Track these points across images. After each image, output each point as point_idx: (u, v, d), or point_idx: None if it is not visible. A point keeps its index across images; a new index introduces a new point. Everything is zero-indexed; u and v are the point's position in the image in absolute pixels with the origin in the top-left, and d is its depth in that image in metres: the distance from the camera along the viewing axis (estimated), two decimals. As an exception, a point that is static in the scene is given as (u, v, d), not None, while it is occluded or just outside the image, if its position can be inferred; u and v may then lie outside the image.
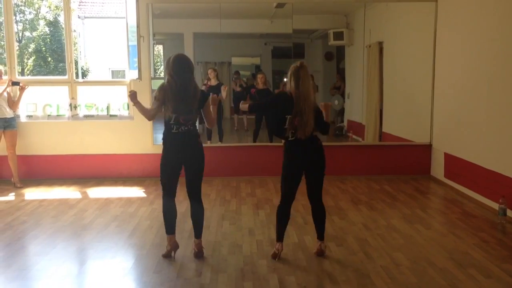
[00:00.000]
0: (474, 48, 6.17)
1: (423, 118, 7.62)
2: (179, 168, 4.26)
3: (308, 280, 3.89)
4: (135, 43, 7.26)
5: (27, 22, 22.41)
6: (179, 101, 4.10)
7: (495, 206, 5.45)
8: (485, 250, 4.47)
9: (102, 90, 7.88)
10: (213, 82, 8.36)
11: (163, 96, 4.12)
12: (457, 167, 6.66)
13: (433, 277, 3.90)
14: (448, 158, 6.96)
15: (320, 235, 4.36)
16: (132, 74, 7.49)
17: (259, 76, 8.49)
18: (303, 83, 4.07)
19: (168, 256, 4.33)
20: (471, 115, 6.26)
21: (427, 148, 7.59)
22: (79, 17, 21.74)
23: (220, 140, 8.18)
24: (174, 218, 4.33)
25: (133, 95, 4.34)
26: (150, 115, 4.30)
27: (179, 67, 4.13)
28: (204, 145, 4.38)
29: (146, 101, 7.38)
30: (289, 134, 4.13)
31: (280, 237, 4.32)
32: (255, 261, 4.25)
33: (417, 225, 5.21)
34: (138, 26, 7.22)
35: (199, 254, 4.32)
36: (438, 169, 7.31)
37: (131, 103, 4.42)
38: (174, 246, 4.33)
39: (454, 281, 3.81)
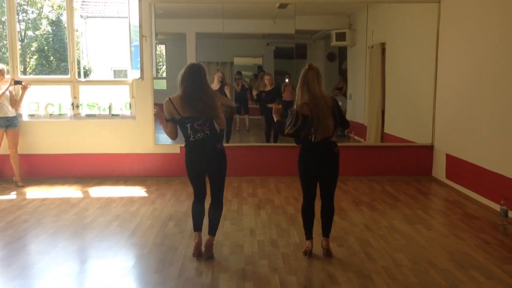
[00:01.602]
0: (476, 49, 6.16)
1: (425, 119, 7.61)
2: (203, 173, 4.31)
3: (309, 280, 3.89)
4: (138, 42, 7.26)
5: (29, 21, 22.46)
6: (186, 106, 4.11)
7: (497, 207, 5.43)
8: (487, 251, 4.46)
9: (104, 89, 7.90)
10: (217, 85, 8.41)
11: (169, 110, 4.16)
12: (459, 168, 6.65)
13: (434, 278, 3.90)
14: (450, 159, 6.95)
15: (325, 232, 4.38)
16: (134, 74, 7.50)
17: (267, 77, 8.57)
18: (312, 86, 4.08)
19: (195, 254, 4.31)
20: (473, 116, 6.25)
21: (429, 149, 7.58)
22: (81, 17, 21.73)
23: (227, 141, 8.20)
24: (201, 218, 4.37)
25: (157, 113, 4.34)
26: (170, 133, 4.28)
27: (186, 74, 4.18)
28: None
29: (149, 101, 7.40)
30: (310, 137, 4.15)
31: (308, 235, 4.36)
32: (256, 261, 4.25)
33: (419, 226, 5.20)
34: (140, 26, 7.22)
35: (208, 254, 4.30)
36: (439, 170, 7.30)
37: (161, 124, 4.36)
38: (198, 245, 4.32)
39: (455, 282, 3.81)
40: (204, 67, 4.32)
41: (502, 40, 5.59)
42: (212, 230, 4.37)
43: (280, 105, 4.38)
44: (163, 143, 7.59)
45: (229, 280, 3.88)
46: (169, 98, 4.20)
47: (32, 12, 22.64)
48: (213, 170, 4.29)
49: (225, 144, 4.52)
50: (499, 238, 4.83)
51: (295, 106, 4.17)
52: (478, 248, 4.54)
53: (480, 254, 4.39)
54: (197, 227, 4.36)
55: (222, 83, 8.36)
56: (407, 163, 7.63)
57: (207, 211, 4.41)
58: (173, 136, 4.28)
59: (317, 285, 3.80)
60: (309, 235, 4.37)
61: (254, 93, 8.63)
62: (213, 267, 4.11)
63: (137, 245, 4.68)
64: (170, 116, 4.19)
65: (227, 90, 8.19)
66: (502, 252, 4.45)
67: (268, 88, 8.53)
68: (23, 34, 21.85)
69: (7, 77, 7.24)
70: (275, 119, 4.34)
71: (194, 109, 4.12)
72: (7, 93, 7.04)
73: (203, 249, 4.32)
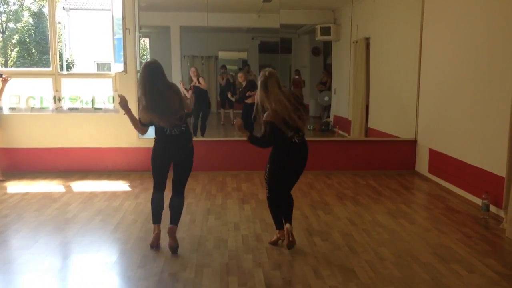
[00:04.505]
0: (459, 44, 6.21)
1: (408, 114, 7.67)
2: (169, 165, 4.39)
3: (292, 274, 3.90)
4: (121, 35, 7.18)
5: (11, 13, 22.08)
6: (161, 116, 4.14)
7: (479, 201, 5.50)
8: (468, 245, 4.51)
9: (87, 82, 7.79)
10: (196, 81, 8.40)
11: (147, 118, 4.19)
12: (442, 163, 6.72)
13: (417, 271, 3.93)
14: (433, 154, 7.01)
15: (290, 219, 4.43)
16: (117, 67, 7.42)
17: (239, 75, 8.67)
18: (273, 93, 4.13)
19: (153, 246, 4.38)
20: (456, 111, 6.31)
21: (412, 144, 7.64)
22: (64, 9, 21.43)
23: (202, 134, 8.16)
24: (160, 209, 4.42)
25: (123, 102, 4.26)
26: (141, 130, 4.33)
27: (149, 78, 4.11)
28: None
29: (132, 95, 7.33)
30: (294, 139, 4.22)
31: (278, 224, 4.45)
32: (240, 255, 4.25)
33: (402, 220, 5.24)
34: (123, 19, 7.14)
35: (173, 243, 4.29)
36: (422, 164, 7.37)
37: (121, 112, 4.40)
38: (157, 237, 4.39)
39: (438, 276, 3.84)
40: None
41: (485, 36, 5.64)
42: (175, 220, 4.40)
43: (240, 121, 4.29)
44: (147, 137, 7.51)
45: (213, 274, 3.87)
46: (143, 106, 4.17)
47: (14, 4, 22.27)
48: (181, 166, 4.35)
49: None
50: (480, 232, 4.89)
51: (264, 118, 4.16)
52: (460, 241, 4.60)
53: (461, 247, 4.44)
54: (157, 220, 4.41)
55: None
56: (391, 158, 7.67)
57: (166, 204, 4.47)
58: (144, 132, 4.40)
59: (301, 279, 3.80)
60: (279, 225, 4.46)
61: (235, 98, 8.68)
62: (196, 262, 4.09)
63: (120, 240, 4.64)
64: (149, 121, 4.23)
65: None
66: (483, 246, 4.51)
67: (244, 83, 8.57)
68: (4, 26, 21.50)
69: (-13, 69, 7.12)
70: (245, 137, 4.29)
71: (166, 115, 4.15)
72: (-13, 86, 6.91)
73: (168, 239, 4.35)
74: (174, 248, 4.28)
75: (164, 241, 4.44)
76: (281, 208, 4.44)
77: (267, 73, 4.18)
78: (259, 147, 4.37)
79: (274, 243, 4.47)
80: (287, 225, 4.40)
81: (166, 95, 4.14)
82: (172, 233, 4.34)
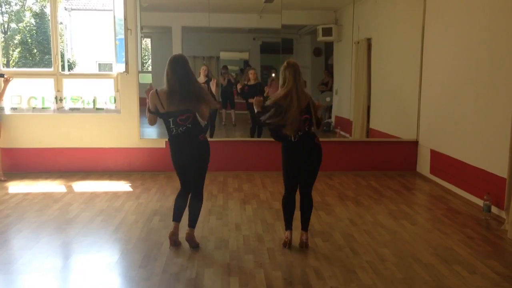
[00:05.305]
0: (461, 45, 6.21)
1: (410, 115, 7.66)
2: (187, 164, 4.36)
3: (294, 275, 3.90)
4: (123, 36, 7.19)
5: (13, 13, 22.10)
6: (173, 99, 4.15)
7: (480, 202, 5.50)
8: (470, 246, 4.51)
9: (88, 83, 7.80)
10: (203, 79, 8.35)
11: (154, 102, 4.20)
12: (443, 164, 6.71)
13: (418, 272, 3.93)
14: (434, 154, 7.00)
15: (305, 226, 4.49)
16: (119, 68, 7.43)
17: (251, 72, 8.57)
18: (288, 82, 4.26)
19: (171, 244, 4.43)
20: (457, 112, 6.31)
21: (413, 145, 7.63)
22: (65, 9, 21.46)
23: (211, 136, 8.16)
24: (181, 209, 4.46)
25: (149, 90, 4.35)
26: (150, 122, 4.33)
27: (171, 66, 4.19)
28: None
29: (134, 95, 7.35)
30: (290, 138, 4.30)
31: (288, 225, 4.48)
32: (241, 256, 4.25)
33: (403, 221, 5.24)
34: (125, 19, 7.15)
35: (191, 244, 4.39)
36: (424, 165, 7.36)
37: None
38: (175, 232, 4.42)
39: (439, 277, 3.84)
40: (187, 58, 4.34)
41: (487, 36, 5.64)
42: (192, 223, 4.42)
43: (261, 98, 4.50)
44: (148, 138, 7.54)
45: (214, 275, 3.87)
46: (156, 90, 4.22)
47: (16, 4, 22.28)
48: (193, 161, 4.33)
49: (209, 139, 4.54)
50: (482, 233, 4.88)
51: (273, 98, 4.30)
52: (462, 243, 4.59)
53: (463, 248, 4.44)
54: (175, 218, 4.44)
55: (208, 77, 8.34)
56: (392, 159, 7.67)
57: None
58: (152, 123, 4.34)
59: (302, 280, 3.80)
60: (289, 225, 4.49)
61: (239, 86, 8.67)
62: (198, 262, 4.09)
63: (121, 240, 4.64)
64: (154, 108, 4.23)
65: (212, 85, 8.16)
66: (485, 247, 4.50)
67: (252, 82, 8.53)
68: (6, 26, 21.52)
69: (-11, 70, 7.13)
70: (256, 110, 4.43)
71: (181, 103, 4.15)
72: (-11, 86, 6.93)
73: (187, 243, 4.41)
74: (194, 248, 4.38)
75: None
76: (293, 210, 4.46)
77: (285, 63, 4.31)
78: (257, 122, 4.47)
79: (285, 245, 4.45)
80: (302, 234, 4.46)
81: (190, 83, 4.19)
82: (189, 238, 4.37)
